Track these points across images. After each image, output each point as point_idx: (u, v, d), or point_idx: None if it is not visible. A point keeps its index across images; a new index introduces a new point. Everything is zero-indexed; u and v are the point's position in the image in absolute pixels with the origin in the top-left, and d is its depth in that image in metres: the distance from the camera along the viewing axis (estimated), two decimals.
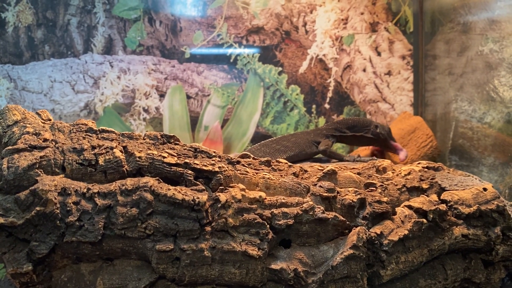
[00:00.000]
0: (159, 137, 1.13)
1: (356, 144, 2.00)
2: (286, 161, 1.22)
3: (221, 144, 2.26)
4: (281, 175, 1.14)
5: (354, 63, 2.35)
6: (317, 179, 1.16)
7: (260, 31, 2.28)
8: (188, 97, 2.26)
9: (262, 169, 1.16)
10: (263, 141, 1.75)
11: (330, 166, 1.20)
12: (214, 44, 2.26)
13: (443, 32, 2.23)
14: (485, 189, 1.23)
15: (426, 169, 1.31)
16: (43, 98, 2.15)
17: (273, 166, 1.19)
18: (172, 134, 1.15)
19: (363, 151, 2.04)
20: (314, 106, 2.34)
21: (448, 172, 1.32)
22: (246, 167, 1.13)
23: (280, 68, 2.30)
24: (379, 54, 2.36)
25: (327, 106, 2.35)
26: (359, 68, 2.35)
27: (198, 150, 1.11)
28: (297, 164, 1.26)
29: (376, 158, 1.52)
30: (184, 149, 1.11)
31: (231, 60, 2.28)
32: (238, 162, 1.14)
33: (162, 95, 2.24)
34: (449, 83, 2.19)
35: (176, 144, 1.13)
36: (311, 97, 2.33)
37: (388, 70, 2.36)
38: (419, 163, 1.35)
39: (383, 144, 1.84)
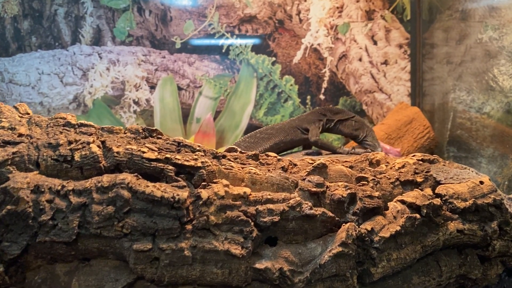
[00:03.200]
0: (141, 131, 1.08)
1: (342, 133, 1.82)
2: (275, 155, 1.17)
3: (213, 136, 2.21)
4: (269, 170, 1.09)
5: (349, 52, 2.29)
6: (306, 173, 1.11)
7: (253, 20, 2.22)
8: (180, 88, 2.21)
9: (249, 164, 1.11)
10: (249, 133, 1.71)
11: (321, 160, 1.16)
12: (206, 34, 2.20)
13: (441, 19, 2.17)
14: (481, 182, 1.18)
15: (421, 162, 1.25)
16: (31, 91, 2.10)
17: (261, 160, 1.14)
18: (154, 128, 1.10)
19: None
20: (308, 97, 2.29)
21: (444, 165, 1.27)
22: (232, 161, 1.08)
23: (273, 58, 2.25)
24: (375, 43, 2.30)
25: (322, 97, 2.30)
26: (355, 57, 2.30)
27: (181, 144, 1.07)
28: (287, 157, 1.21)
29: (370, 151, 1.47)
30: (167, 143, 1.06)
31: (223, 50, 2.22)
32: (224, 157, 1.09)
33: (152, 87, 2.19)
34: (447, 72, 2.13)
35: (158, 138, 1.08)
36: (305, 87, 2.28)
37: (385, 60, 2.30)
38: (414, 156, 1.30)
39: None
